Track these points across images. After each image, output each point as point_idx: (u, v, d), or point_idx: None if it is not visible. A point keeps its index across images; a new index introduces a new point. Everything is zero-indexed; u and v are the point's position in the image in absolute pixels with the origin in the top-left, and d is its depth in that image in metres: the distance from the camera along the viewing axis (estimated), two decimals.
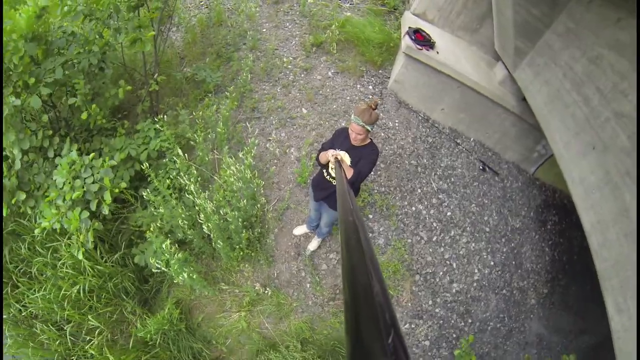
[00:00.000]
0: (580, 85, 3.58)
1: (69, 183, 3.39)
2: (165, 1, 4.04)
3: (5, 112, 3.29)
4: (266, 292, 4.14)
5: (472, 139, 5.20)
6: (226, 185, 4.02)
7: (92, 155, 3.47)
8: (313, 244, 4.33)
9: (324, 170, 3.22)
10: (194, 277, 3.67)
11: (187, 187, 3.66)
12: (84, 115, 3.62)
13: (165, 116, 3.91)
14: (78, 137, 4.15)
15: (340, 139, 3.14)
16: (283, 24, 5.32)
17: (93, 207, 3.41)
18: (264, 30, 5.27)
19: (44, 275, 3.87)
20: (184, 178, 3.70)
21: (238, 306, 4.23)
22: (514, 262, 4.82)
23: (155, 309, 4.16)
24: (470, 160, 5.09)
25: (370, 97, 5.01)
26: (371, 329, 0.47)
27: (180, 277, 3.60)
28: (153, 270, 3.80)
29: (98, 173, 3.50)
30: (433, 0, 4.77)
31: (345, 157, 2.96)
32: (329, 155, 2.79)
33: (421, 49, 4.59)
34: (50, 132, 3.69)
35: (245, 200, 3.86)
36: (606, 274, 2.94)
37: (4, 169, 3.63)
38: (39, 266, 3.94)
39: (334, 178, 3.17)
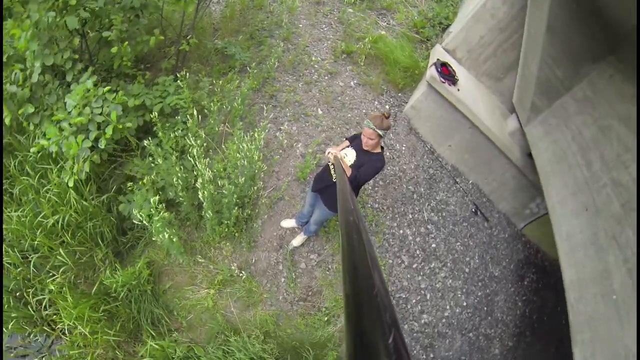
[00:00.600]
0: (586, 150, 3.83)
1: (79, 108, 3.40)
2: None
3: (35, 18, 3.29)
4: (241, 275, 4.15)
5: (470, 182, 5.42)
6: (228, 160, 4.08)
7: (107, 87, 3.51)
8: (297, 240, 4.39)
9: (331, 165, 3.35)
10: (174, 240, 3.67)
11: (190, 149, 3.70)
12: (114, 49, 3.66)
13: (187, 75, 3.99)
14: (98, 74, 4.18)
15: (356, 140, 3.31)
16: (319, 24, 5.56)
17: (92, 137, 3.41)
18: (300, 25, 5.48)
19: (26, 198, 3.81)
20: (191, 139, 3.76)
21: (209, 283, 4.21)
22: (485, 308, 4.95)
23: (126, 264, 4.10)
24: (465, 200, 5.29)
25: None
26: (373, 329, 0.49)
27: (160, 236, 3.60)
28: (135, 221, 3.80)
29: (108, 107, 3.53)
30: (466, 40, 5.08)
31: (350, 154, 3.19)
32: (329, 152, 3.01)
33: (444, 82, 4.84)
34: (77, 56, 3.71)
35: (244, 179, 3.92)
36: (579, 327, 3.07)
37: (20, 78, 3.61)
38: (23, 187, 3.88)
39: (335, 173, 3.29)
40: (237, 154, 3.84)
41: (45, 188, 3.79)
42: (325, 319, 4.28)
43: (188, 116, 3.92)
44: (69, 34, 3.81)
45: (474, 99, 4.99)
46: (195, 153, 3.64)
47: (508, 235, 5.39)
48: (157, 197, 3.50)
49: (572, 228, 3.61)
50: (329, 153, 3.03)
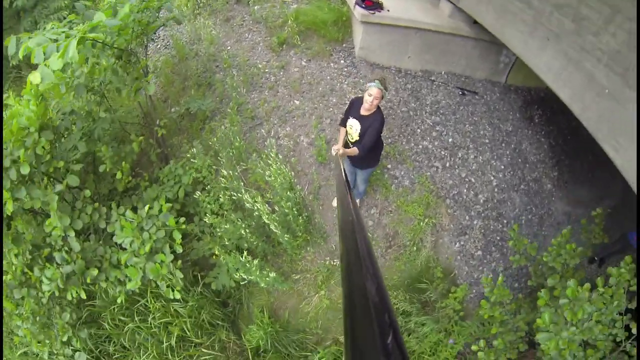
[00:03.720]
0: None
1: (138, 239, 3.75)
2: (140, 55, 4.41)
3: (54, 201, 3.58)
4: (335, 263, 4.66)
5: (443, 73, 5.93)
6: (270, 185, 4.46)
7: (147, 206, 3.86)
8: None
9: (348, 141, 3.82)
10: (275, 275, 4.14)
11: (243, 197, 4.10)
12: (118, 174, 3.97)
13: (193, 148, 4.34)
14: (104, 204, 4.47)
15: (352, 109, 3.77)
16: (242, 36, 5.83)
17: (167, 251, 3.79)
18: (229, 47, 5.76)
19: (138, 339, 4.23)
20: (239, 193, 4.16)
21: (315, 288, 4.72)
22: (520, 160, 5.59)
23: (246, 325, 4.60)
24: (449, 90, 5.80)
25: (346, 70, 5.59)
26: (367, 330, 0.49)
27: (265, 280, 4.06)
28: (239, 282, 4.25)
29: (158, 221, 3.89)
30: None
31: (355, 125, 3.69)
32: (332, 153, 3.48)
33: (374, 13, 5.23)
34: (97, 204, 4.01)
35: (289, 191, 4.35)
36: (595, 127, 3.63)
37: (67, 257, 3.89)
38: (129, 335, 4.28)
39: (356, 141, 3.74)
40: (274, 177, 4.25)
41: (151, 317, 4.20)
42: (415, 248, 4.85)
43: (221, 178, 4.29)
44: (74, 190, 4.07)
45: (404, 8, 5.42)
46: (248, 198, 4.05)
47: (499, 93, 5.96)
48: (246, 253, 3.95)
49: (546, 60, 4.11)
50: (334, 151, 3.49)
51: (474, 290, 4.92)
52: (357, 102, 3.76)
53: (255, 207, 3.99)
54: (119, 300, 3.98)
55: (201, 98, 5.29)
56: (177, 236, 3.80)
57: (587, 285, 2.83)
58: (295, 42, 5.58)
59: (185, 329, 4.11)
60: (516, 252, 4.46)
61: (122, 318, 4.34)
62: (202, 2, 6.23)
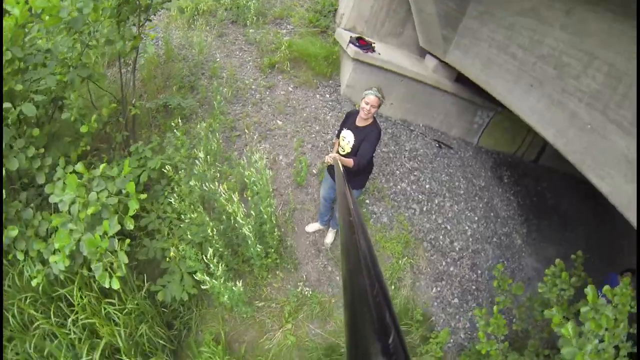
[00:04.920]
0: (505, 48, 4.72)
1: (82, 198, 3.02)
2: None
3: None
4: (307, 291, 4.11)
5: (421, 125, 6.15)
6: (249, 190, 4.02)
7: (103, 165, 3.22)
8: (329, 237, 4.55)
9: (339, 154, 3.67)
10: (241, 289, 3.54)
11: (225, 191, 3.58)
12: (84, 128, 3.36)
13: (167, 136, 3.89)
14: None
15: (348, 121, 3.66)
16: (233, 52, 5.77)
17: (115, 223, 3.06)
18: (218, 59, 5.63)
19: (49, 347, 3.21)
20: (217, 186, 3.66)
21: (280, 321, 4.07)
22: (492, 214, 5.66)
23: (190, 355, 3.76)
24: (427, 141, 5.98)
25: (330, 104, 5.62)
26: (368, 330, 0.49)
27: (230, 290, 3.43)
28: (192, 297, 3.53)
29: (113, 185, 3.22)
30: (360, 15, 5.81)
31: (348, 136, 3.56)
32: (329, 159, 3.33)
33: (366, 52, 5.46)
34: (42, 149, 3.26)
35: (269, 199, 3.93)
36: (580, 159, 3.75)
37: None
38: (36, 339, 3.28)
39: (347, 154, 3.58)
40: (252, 178, 3.84)
41: (72, 318, 3.27)
42: (393, 287, 4.47)
43: (200, 161, 3.80)
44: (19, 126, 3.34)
45: (393, 56, 5.72)
46: (227, 196, 3.54)
47: (472, 152, 6.25)
48: (212, 250, 3.33)
49: (530, 104, 4.40)
50: (329, 158, 3.33)
51: (452, 340, 4.51)
52: (352, 114, 3.66)
53: (229, 208, 3.47)
54: (34, 283, 3.05)
55: (183, 98, 4.94)
56: (134, 206, 3.08)
57: (607, 287, 2.61)
58: (284, 67, 5.60)
59: (119, 340, 3.16)
60: (500, 293, 4.23)
61: (33, 313, 3.29)
62: (200, 12, 6.22)
